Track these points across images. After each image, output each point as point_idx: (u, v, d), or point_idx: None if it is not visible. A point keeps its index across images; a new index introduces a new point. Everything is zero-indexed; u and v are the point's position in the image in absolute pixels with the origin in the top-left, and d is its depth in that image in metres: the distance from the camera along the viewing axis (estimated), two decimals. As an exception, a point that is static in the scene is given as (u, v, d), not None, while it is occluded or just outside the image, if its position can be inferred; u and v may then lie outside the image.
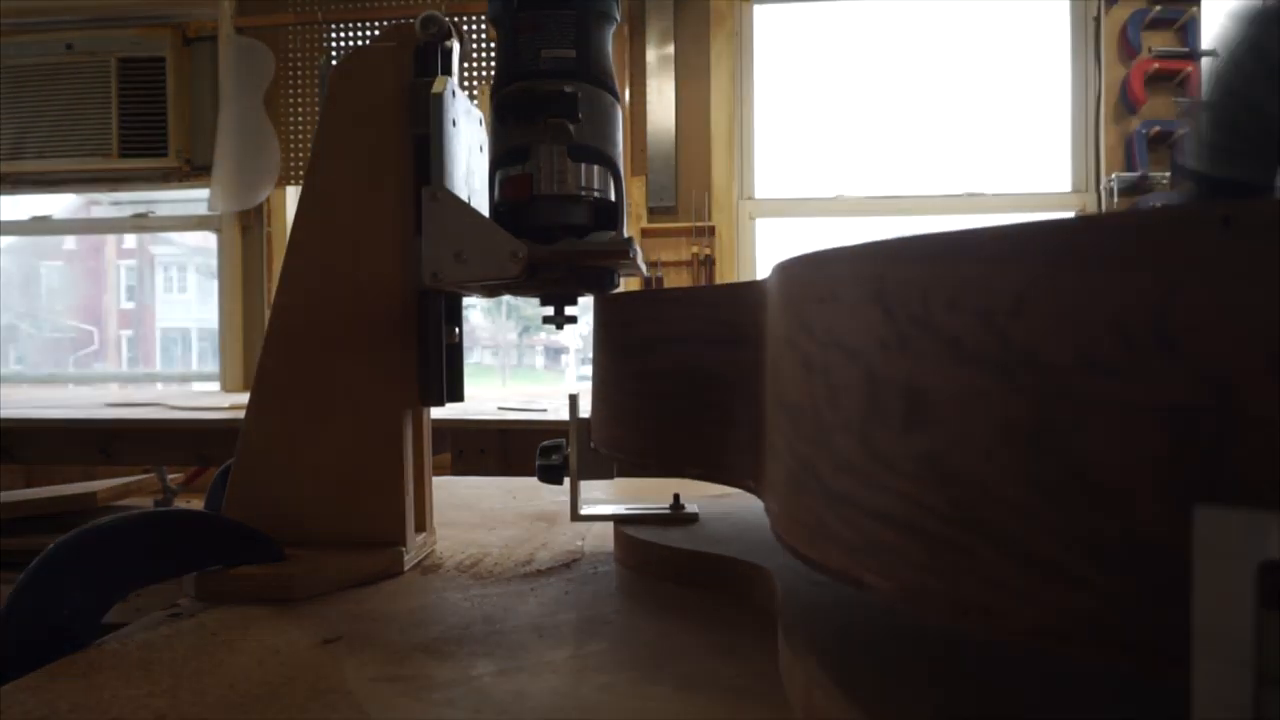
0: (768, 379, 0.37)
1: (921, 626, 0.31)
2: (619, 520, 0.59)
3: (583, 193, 0.53)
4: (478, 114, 0.61)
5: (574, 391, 0.59)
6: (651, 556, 0.53)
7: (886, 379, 0.24)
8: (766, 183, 2.76)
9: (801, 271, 0.30)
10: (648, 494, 0.75)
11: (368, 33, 2.77)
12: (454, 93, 0.55)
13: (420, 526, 0.58)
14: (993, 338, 0.21)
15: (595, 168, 0.54)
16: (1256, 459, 0.16)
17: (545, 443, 0.61)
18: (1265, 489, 0.16)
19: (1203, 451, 0.17)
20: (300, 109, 2.81)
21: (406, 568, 0.54)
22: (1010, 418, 0.20)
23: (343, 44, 2.79)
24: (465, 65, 2.77)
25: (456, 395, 0.57)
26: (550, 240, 0.53)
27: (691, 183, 2.67)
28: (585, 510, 0.60)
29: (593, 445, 0.56)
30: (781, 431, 0.32)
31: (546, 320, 0.58)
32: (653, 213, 2.68)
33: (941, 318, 0.22)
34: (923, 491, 0.22)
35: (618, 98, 0.55)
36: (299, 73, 2.80)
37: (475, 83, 2.67)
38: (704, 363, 0.47)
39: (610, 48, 0.55)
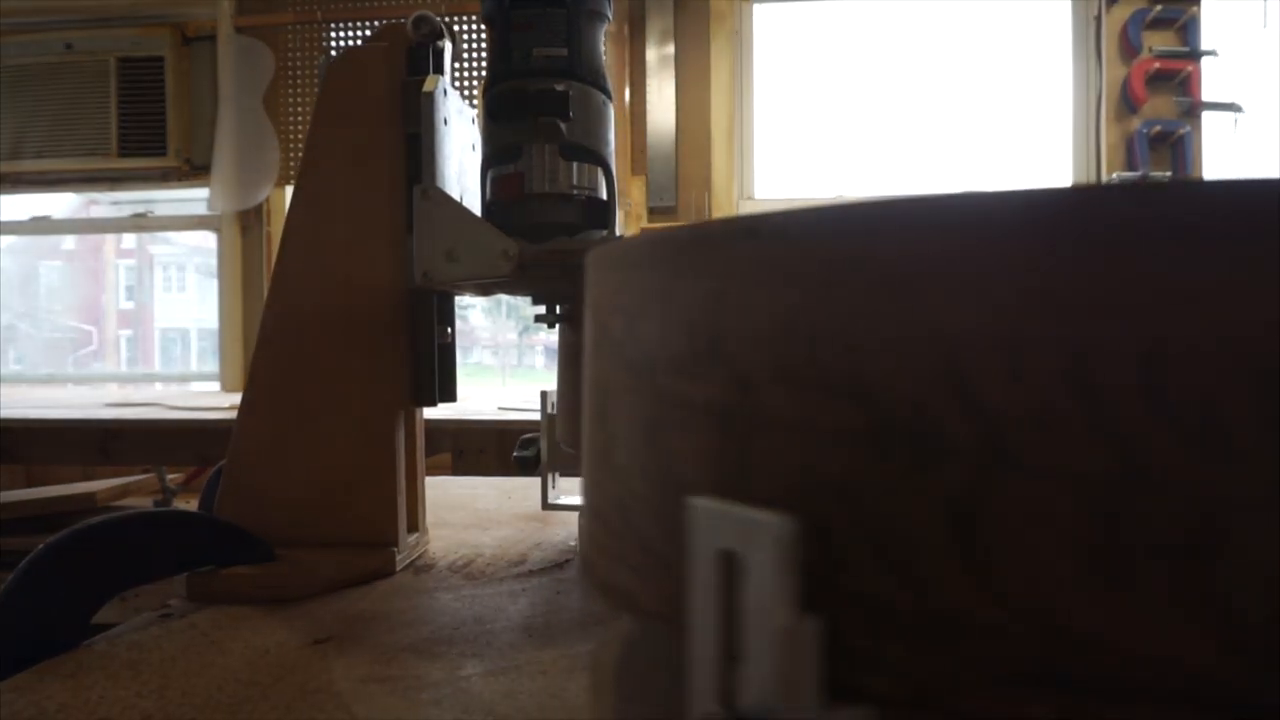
0: None
1: None
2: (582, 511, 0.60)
3: (574, 191, 0.53)
4: (470, 112, 0.61)
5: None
6: None
7: (593, 379, 0.26)
8: (766, 183, 2.76)
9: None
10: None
11: (367, 32, 2.77)
12: (445, 91, 0.55)
13: (413, 527, 0.58)
14: (631, 339, 0.23)
15: (587, 166, 0.54)
16: (769, 456, 0.18)
17: (525, 435, 0.63)
18: (777, 483, 0.18)
19: (738, 449, 0.19)
20: (300, 109, 2.80)
21: (399, 568, 0.54)
22: (637, 416, 0.22)
23: (342, 44, 2.79)
24: (459, 65, 2.75)
25: (448, 395, 0.57)
26: (542, 239, 0.53)
27: (691, 183, 2.67)
28: (556, 500, 0.63)
29: (559, 440, 0.58)
30: None
31: (539, 319, 0.58)
32: (653, 213, 2.67)
33: (611, 321, 0.24)
34: (605, 484, 0.24)
35: (610, 96, 0.55)
36: (299, 72, 2.80)
37: (471, 83, 2.67)
38: None
39: (603, 46, 0.55)
